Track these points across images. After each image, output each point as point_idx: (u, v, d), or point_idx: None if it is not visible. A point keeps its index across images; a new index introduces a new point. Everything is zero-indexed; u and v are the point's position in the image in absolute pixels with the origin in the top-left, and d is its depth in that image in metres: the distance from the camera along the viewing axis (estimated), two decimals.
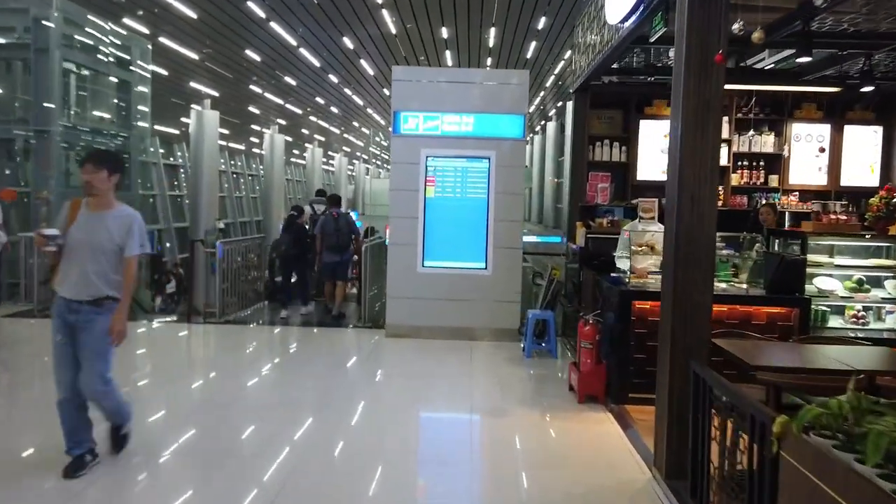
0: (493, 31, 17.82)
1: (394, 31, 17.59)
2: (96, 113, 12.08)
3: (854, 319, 5.28)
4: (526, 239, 9.43)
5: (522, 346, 6.86)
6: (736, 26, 3.28)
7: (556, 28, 17.32)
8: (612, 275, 5.39)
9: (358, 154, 47.98)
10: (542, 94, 27.16)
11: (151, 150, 28.48)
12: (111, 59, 12.14)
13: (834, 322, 5.31)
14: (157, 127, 28.31)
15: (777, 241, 5.64)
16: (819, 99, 7.10)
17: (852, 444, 2.05)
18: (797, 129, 7.16)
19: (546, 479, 3.83)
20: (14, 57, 10.20)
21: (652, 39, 4.38)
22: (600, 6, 5.81)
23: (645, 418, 4.62)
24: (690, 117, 3.45)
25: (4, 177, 10.93)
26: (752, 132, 7.03)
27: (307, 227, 9.01)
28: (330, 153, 47.16)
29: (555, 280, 6.99)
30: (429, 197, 7.35)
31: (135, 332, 7.82)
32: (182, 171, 30.39)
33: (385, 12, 16.01)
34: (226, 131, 30.27)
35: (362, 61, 21.09)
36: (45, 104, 9.76)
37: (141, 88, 12.91)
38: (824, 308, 5.24)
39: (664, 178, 7.22)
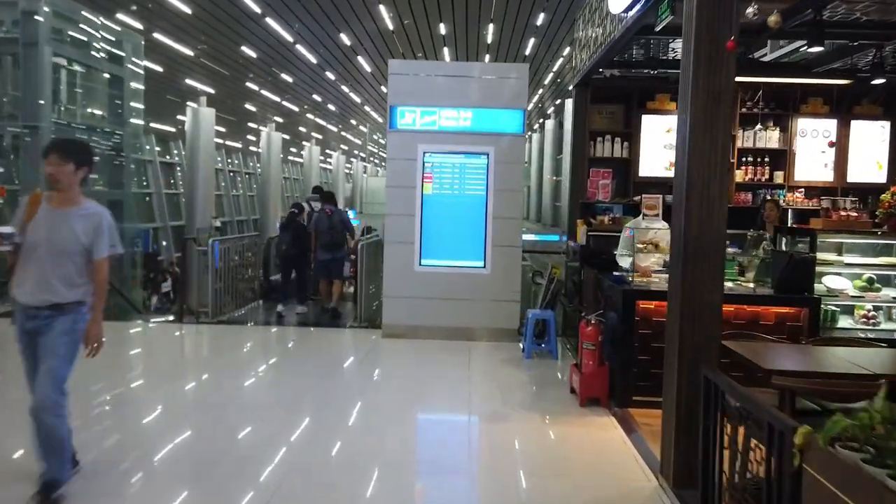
0: (491, 27, 17.65)
1: (391, 27, 17.41)
2: (88, 109, 11.87)
3: (864, 319, 5.12)
4: (524, 237, 9.27)
5: (522, 346, 6.70)
6: (750, 10, 3.11)
7: (554, 24, 17.16)
8: (615, 273, 5.22)
9: (356, 152, 47.77)
10: (540, 91, 27.00)
11: (147, 147, 28.34)
12: (103, 54, 11.93)
13: (843, 322, 5.15)
14: (153, 124, 28.14)
15: (784, 238, 5.47)
16: (825, 93, 6.93)
17: (883, 458, 1.89)
18: (803, 125, 6.99)
19: (547, 487, 3.67)
20: (2, 52, 9.99)
21: (657, 29, 4.21)
22: None
23: (650, 422, 4.46)
24: (699, 109, 3.28)
25: None
26: (759, 126, 6.86)
27: (305, 225, 8.90)
28: (328, 151, 46.98)
29: (555, 279, 6.83)
30: (426, 194, 7.18)
31: (124, 333, 7.65)
32: (178, 169, 30.21)
33: (382, 8, 15.83)
34: (222, 129, 30.06)
35: (359, 58, 20.91)
36: (35, 100, 9.57)
37: (134, 84, 12.70)
38: (833, 308, 5.08)
39: (667, 174, 7.17)
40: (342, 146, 47.01)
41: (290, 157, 44.74)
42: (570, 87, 7.68)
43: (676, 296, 3.42)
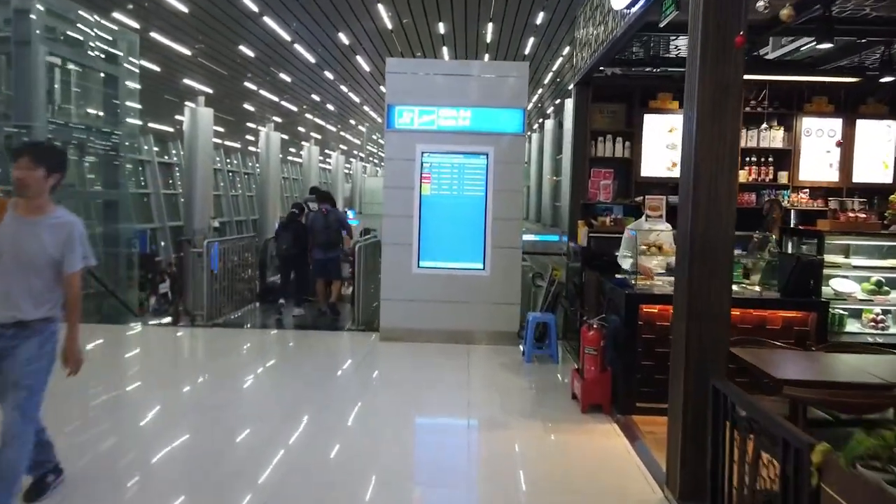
0: (490, 26, 17.55)
1: (390, 26, 17.30)
2: (82, 108, 11.73)
3: (872, 323, 4.99)
4: (524, 238, 9.14)
5: (522, 350, 6.57)
6: (761, 3, 2.99)
7: (554, 23, 17.06)
8: (618, 276, 5.10)
9: (355, 152, 47.64)
10: (539, 91, 26.89)
11: (146, 147, 28.21)
12: (97, 52, 11.79)
13: (851, 326, 5.03)
14: (151, 124, 28.03)
15: (790, 240, 5.35)
16: (830, 92, 6.80)
17: None
18: (808, 124, 6.86)
19: (548, 498, 3.54)
20: None
21: (661, 25, 4.08)
22: None
23: (654, 430, 4.34)
24: (707, 106, 3.16)
25: None
26: (765, 125, 6.73)
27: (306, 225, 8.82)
28: (327, 151, 46.84)
29: (556, 281, 6.70)
30: (424, 195, 7.05)
31: (118, 336, 7.53)
32: (177, 169, 30.07)
33: (381, 7, 15.72)
34: (221, 129, 29.93)
35: (358, 57, 20.80)
36: (28, 99, 9.44)
37: (129, 83, 12.56)
38: (841, 311, 4.95)
39: (669, 174, 7.04)
40: (341, 146, 46.90)
41: (290, 157, 44.62)
42: (571, 87, 7.56)
43: (682, 300, 3.30)
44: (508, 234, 7.01)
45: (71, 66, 11.21)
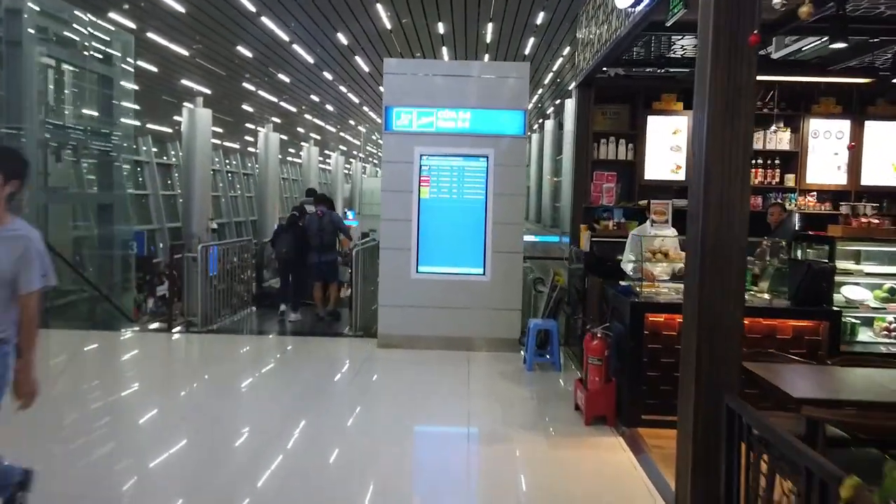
0: (490, 26, 17.38)
1: (389, 26, 17.13)
2: (76, 109, 11.57)
3: (885, 332, 4.83)
4: (524, 238, 8.97)
5: (523, 357, 6.42)
6: (777, 1, 2.84)
7: (554, 23, 16.90)
8: (622, 284, 4.94)
9: (355, 153, 47.50)
10: (539, 91, 26.74)
11: (144, 148, 28.07)
12: (92, 52, 11.62)
13: (863, 335, 4.87)
14: (149, 125, 27.88)
15: (798, 246, 5.18)
16: (839, 93, 6.66)
17: None
18: (815, 125, 6.71)
19: None
20: None
21: (668, 24, 3.94)
22: None
23: (660, 444, 4.18)
24: (719, 108, 3.00)
25: None
26: (774, 127, 6.58)
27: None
28: (326, 152, 46.70)
29: (558, 286, 6.55)
30: (423, 198, 6.90)
31: (111, 342, 7.38)
32: (175, 170, 29.92)
33: (380, 7, 15.55)
34: (219, 129, 29.79)
35: (357, 58, 20.62)
36: (20, 100, 9.29)
37: (125, 84, 12.40)
38: (853, 320, 4.80)
39: (673, 177, 6.89)
40: (341, 147, 46.74)
41: (289, 158, 44.48)
42: (572, 87, 7.41)
43: (692, 311, 3.14)
44: (509, 238, 6.86)
45: (64, 67, 11.05)
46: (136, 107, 21.76)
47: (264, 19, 16.02)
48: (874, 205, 5.44)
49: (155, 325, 9.35)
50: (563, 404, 5.19)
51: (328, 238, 8.46)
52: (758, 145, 6.74)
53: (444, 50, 19.55)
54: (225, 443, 4.35)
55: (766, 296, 4.68)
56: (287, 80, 23.65)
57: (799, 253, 5.10)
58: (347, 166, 50.20)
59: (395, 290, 6.90)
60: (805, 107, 6.72)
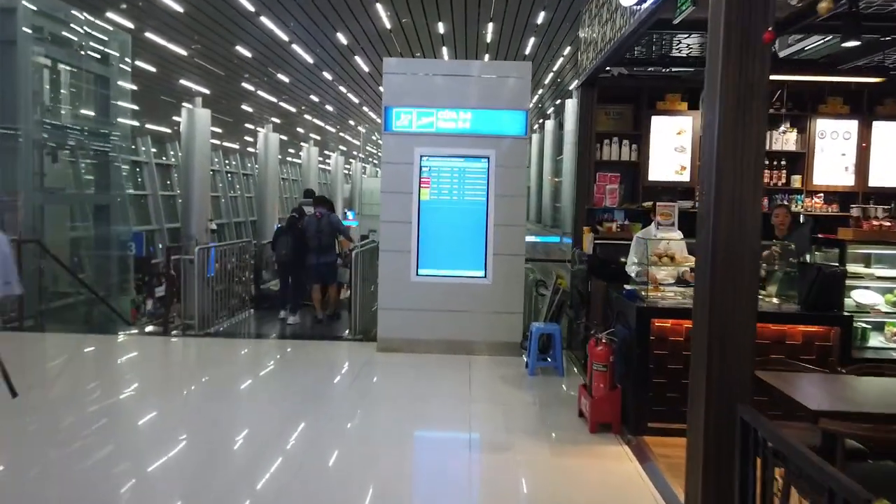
0: (490, 26, 17.27)
1: (389, 26, 17.02)
2: (72, 109, 11.44)
3: None
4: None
5: (525, 361, 6.31)
6: None
7: (555, 23, 16.79)
8: (627, 288, 4.83)
9: (354, 153, 47.39)
10: (540, 91, 26.64)
11: (143, 149, 27.96)
12: (88, 52, 11.50)
13: (873, 340, 4.76)
14: (148, 125, 27.78)
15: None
16: (846, 93, 6.55)
17: None
18: (822, 126, 6.60)
19: None
20: None
21: (676, 21, 3.82)
22: None
23: (668, 453, 4.06)
24: (731, 107, 2.89)
25: None
26: (783, 128, 6.47)
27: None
28: (326, 152, 46.57)
29: (560, 290, 6.44)
30: (423, 200, 6.79)
31: (106, 347, 7.26)
32: (174, 170, 29.82)
33: (379, 6, 15.44)
34: (219, 130, 29.68)
35: (357, 58, 20.51)
36: (14, 100, 9.17)
37: (122, 83, 12.27)
38: (864, 325, 4.69)
39: (678, 178, 6.78)
40: (341, 147, 46.63)
41: (289, 158, 44.39)
42: (573, 87, 7.31)
43: (703, 318, 3.03)
44: (511, 240, 6.75)
45: (60, 67, 10.93)
46: (135, 107, 21.70)
47: (263, 19, 15.91)
48: (885, 207, 5.32)
49: (151, 329, 9.25)
50: (567, 410, 5.07)
51: (326, 240, 8.41)
52: None
53: (445, 50, 19.44)
54: (222, 448, 4.24)
55: (775, 300, 4.56)
56: (286, 80, 23.54)
57: (807, 256, 5.00)
58: (347, 167, 50.11)
59: (395, 292, 6.80)
60: (812, 107, 6.61)
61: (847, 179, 6.63)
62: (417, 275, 6.77)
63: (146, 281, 19.31)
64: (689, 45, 5.38)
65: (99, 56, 11.78)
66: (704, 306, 2.99)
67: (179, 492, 3.70)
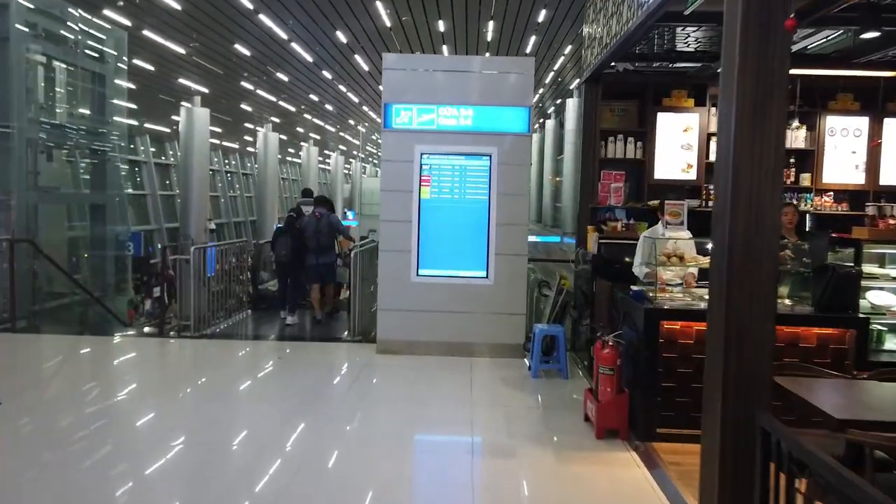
0: (491, 24, 17.12)
1: (389, 24, 16.87)
2: (66, 107, 11.27)
3: None
4: None
5: (528, 363, 6.17)
6: None
7: (556, 21, 16.65)
8: (634, 289, 4.68)
9: (354, 152, 47.25)
10: (541, 90, 26.50)
11: (142, 148, 27.81)
12: (83, 49, 11.34)
13: (889, 343, 4.61)
14: (147, 125, 27.63)
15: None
16: (857, 89, 6.40)
17: None
18: (832, 123, 6.45)
19: None
20: None
21: (687, 12, 3.69)
22: None
23: (678, 461, 3.92)
24: (748, 101, 2.75)
25: None
26: (796, 123, 6.32)
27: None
28: (326, 152, 46.42)
29: (564, 290, 6.30)
30: (424, 198, 6.64)
31: (101, 348, 7.12)
32: (174, 170, 29.66)
33: (379, 4, 15.29)
34: (218, 129, 29.52)
35: (356, 56, 20.37)
36: (7, 98, 9.03)
37: (118, 81, 12.12)
38: (880, 327, 4.54)
39: (684, 176, 6.62)
40: (341, 146, 46.49)
41: (289, 158, 44.23)
42: (575, 85, 7.17)
43: (718, 322, 2.89)
44: (513, 240, 6.60)
45: (54, 64, 10.77)
46: (132, 105, 21.55)
47: (262, 17, 15.76)
48: None
49: (147, 330, 9.10)
50: (571, 415, 4.93)
51: (325, 240, 8.31)
52: None
53: (445, 48, 19.31)
54: (219, 453, 4.10)
55: (787, 301, 4.42)
56: (286, 78, 23.39)
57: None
58: (347, 166, 49.98)
59: (395, 293, 6.65)
60: (822, 103, 6.45)
61: (857, 178, 6.47)
62: (418, 275, 6.63)
63: (144, 281, 19.18)
64: (697, 38, 5.24)
65: (95, 53, 11.62)
66: (720, 308, 2.85)
67: (176, 495, 3.58)
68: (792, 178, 6.55)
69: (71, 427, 4.51)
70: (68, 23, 10.96)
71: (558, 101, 28.00)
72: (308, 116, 32.97)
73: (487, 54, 19.78)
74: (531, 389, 5.66)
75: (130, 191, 26.13)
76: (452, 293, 6.59)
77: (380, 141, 40.06)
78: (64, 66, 11.01)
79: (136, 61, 19.04)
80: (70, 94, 11.28)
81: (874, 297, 4.61)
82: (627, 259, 5.76)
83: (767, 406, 2.71)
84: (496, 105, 6.57)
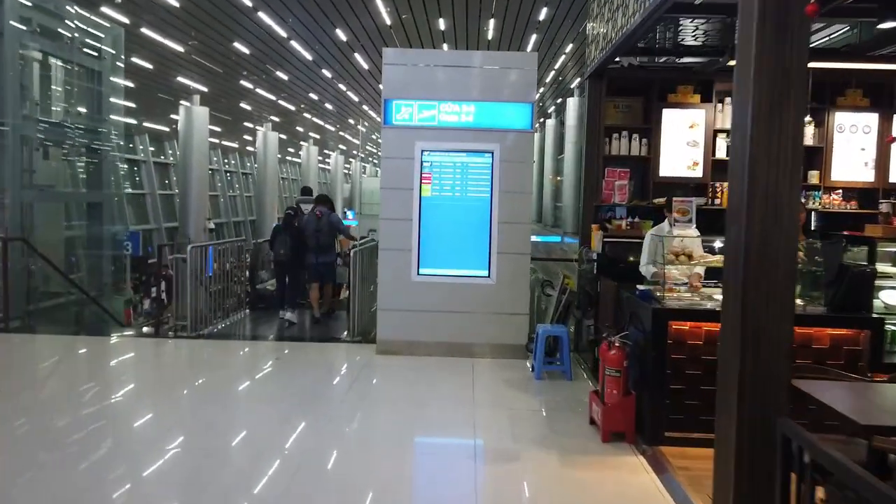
0: (492, 22, 17.01)
1: (389, 22, 16.75)
2: (62, 104, 11.13)
3: None
4: None
5: (531, 365, 6.04)
6: None
7: (557, 19, 16.54)
8: (641, 288, 4.56)
9: (354, 152, 47.14)
10: (541, 90, 26.38)
11: (141, 147, 27.69)
12: (79, 46, 11.20)
13: None
14: (146, 124, 27.51)
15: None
16: (866, 85, 6.28)
17: None
18: (841, 119, 6.33)
19: None
20: None
21: (697, 1, 3.56)
22: None
23: (687, 465, 3.80)
24: (765, 90, 2.63)
25: None
26: (808, 119, 6.20)
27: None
28: (326, 151, 46.30)
29: (568, 290, 6.17)
30: (425, 196, 6.52)
31: (96, 349, 7.00)
32: (173, 169, 29.54)
33: (379, 2, 15.18)
34: (217, 129, 29.40)
35: (356, 55, 20.25)
36: (2, 94, 8.89)
37: (114, 79, 11.98)
38: (893, 328, 4.42)
39: (690, 174, 6.50)
40: (340, 146, 46.37)
41: (288, 158, 44.11)
42: (576, 84, 7.03)
43: (734, 321, 2.76)
44: (516, 238, 6.48)
45: (50, 60, 10.62)
46: (129, 104, 21.41)
47: (261, 14, 15.64)
48: None
49: (144, 330, 8.98)
50: (576, 417, 4.81)
51: (325, 239, 8.22)
52: None
53: (445, 47, 19.20)
54: (216, 455, 3.97)
55: (799, 301, 4.29)
56: (285, 77, 23.28)
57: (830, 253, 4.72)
58: (347, 166, 49.84)
59: (395, 293, 6.53)
60: (830, 99, 6.34)
61: (867, 175, 6.36)
62: (418, 274, 6.51)
63: (143, 281, 19.05)
64: (706, 31, 5.12)
65: (91, 50, 11.48)
66: (736, 308, 2.73)
67: (174, 497, 3.46)
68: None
69: (63, 429, 4.39)
70: (64, 19, 10.81)
71: (559, 101, 27.89)
72: (308, 115, 32.86)
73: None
74: (534, 391, 5.54)
75: (129, 190, 26.04)
76: (454, 293, 6.47)
77: (380, 140, 39.99)
78: (60, 62, 10.87)
79: (134, 59, 18.94)
80: (65, 91, 11.14)
81: (888, 297, 4.49)
82: (632, 258, 5.65)
83: (786, 410, 2.59)
84: (498, 101, 6.45)
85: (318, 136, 39.83)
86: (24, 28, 9.59)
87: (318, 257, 8.20)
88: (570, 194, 23.36)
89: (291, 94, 26.65)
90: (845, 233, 5.01)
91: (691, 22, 4.88)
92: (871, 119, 6.30)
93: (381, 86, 7.49)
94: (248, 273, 9.83)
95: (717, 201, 6.40)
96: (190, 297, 7.41)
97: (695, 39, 5.40)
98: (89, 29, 11.47)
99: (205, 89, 23.26)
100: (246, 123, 32.55)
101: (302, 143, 39.68)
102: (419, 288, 6.50)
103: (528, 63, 6.56)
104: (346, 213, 30.18)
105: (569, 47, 19.30)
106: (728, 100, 6.43)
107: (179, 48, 18.48)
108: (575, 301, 6.45)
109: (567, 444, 4.31)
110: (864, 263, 4.31)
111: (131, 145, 26.99)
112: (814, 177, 6.41)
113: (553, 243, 22.53)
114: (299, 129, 37.15)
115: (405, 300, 6.51)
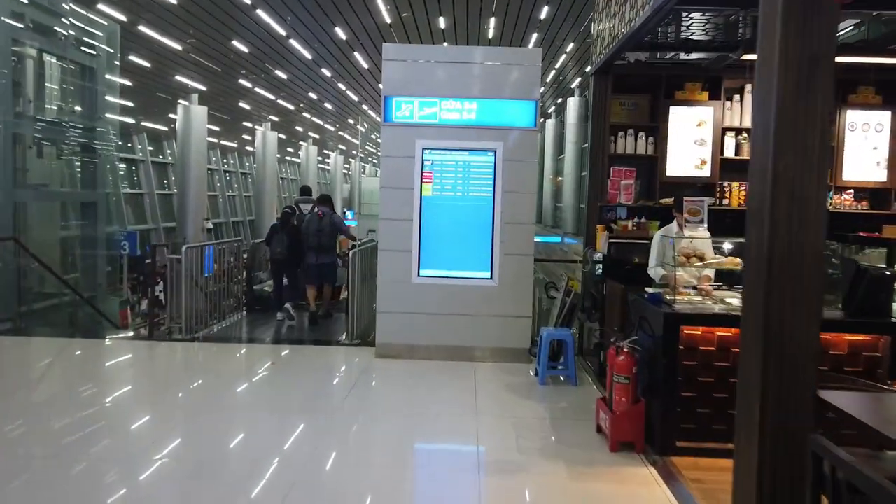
0: (492, 21, 16.88)
1: (388, 20, 16.60)
2: (55, 101, 10.94)
3: None
4: None
5: (534, 369, 5.88)
6: None
7: (558, 18, 16.40)
8: (650, 291, 4.39)
9: (354, 152, 46.98)
10: (542, 89, 26.23)
11: (139, 146, 27.53)
12: (73, 42, 11.02)
13: None
14: (144, 123, 27.35)
15: (847, 249, 4.64)
16: (878, 82, 6.11)
17: None
18: (852, 117, 6.16)
19: None
20: None
21: None
22: None
23: (700, 477, 3.64)
24: (790, 85, 2.46)
25: None
26: None
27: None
28: (325, 151, 46.15)
29: (573, 292, 6.00)
30: (425, 196, 6.35)
31: (89, 352, 6.83)
32: (171, 169, 29.38)
33: (379, 0, 15.03)
34: (216, 128, 29.25)
35: (356, 54, 20.11)
36: None
37: (109, 77, 11.80)
38: None
39: (698, 173, 6.32)
40: (340, 146, 46.23)
41: (287, 157, 43.95)
42: (577, 83, 6.86)
43: (756, 329, 2.59)
44: (519, 239, 6.32)
45: (43, 57, 10.44)
46: (127, 103, 21.26)
47: (260, 12, 15.49)
48: None
49: (138, 333, 8.81)
50: (582, 425, 4.64)
51: (326, 240, 8.08)
52: None
53: (445, 46, 19.05)
54: (209, 462, 3.80)
55: None
56: (284, 76, 23.12)
57: (846, 254, 4.56)
58: (347, 166, 49.69)
59: (395, 295, 6.36)
60: (841, 97, 6.16)
61: (879, 175, 6.18)
62: (419, 276, 6.34)
63: (141, 281, 18.89)
64: (717, 24, 4.95)
65: (85, 47, 11.30)
66: (758, 315, 2.55)
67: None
68: None
69: (48, 435, 4.22)
70: (58, 14, 10.64)
71: (559, 101, 27.74)
72: (307, 115, 32.70)
73: None
74: (538, 397, 5.37)
75: (128, 189, 25.87)
76: (455, 295, 6.30)
77: (379, 140, 39.84)
78: (54, 59, 10.69)
79: (132, 58, 18.77)
80: (59, 88, 10.96)
81: None
82: (639, 260, 5.48)
83: (812, 425, 2.42)
84: (501, 98, 6.28)
85: (317, 136, 39.68)
86: (17, 24, 9.42)
87: (319, 258, 8.07)
88: (571, 194, 23.21)
89: (291, 93, 26.49)
90: (861, 234, 4.84)
91: (702, 15, 4.71)
92: (884, 117, 6.13)
93: (380, 85, 7.33)
94: (244, 273, 9.67)
95: (726, 201, 6.23)
96: (185, 299, 7.24)
97: (705, 34, 5.23)
98: (84, 26, 11.29)
99: (203, 88, 23.11)
100: (245, 123, 32.39)
101: (301, 142, 39.54)
102: (420, 290, 6.33)
103: (531, 59, 6.39)
104: (345, 213, 30.04)
105: (570, 46, 19.16)
106: (737, 97, 6.26)
107: (178, 47, 18.32)
108: (579, 304, 6.27)
109: (574, 455, 4.14)
110: (882, 266, 4.14)
111: (129, 144, 26.83)
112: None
113: (553, 244, 22.38)
114: (298, 128, 36.99)
115: (405, 302, 6.34)
